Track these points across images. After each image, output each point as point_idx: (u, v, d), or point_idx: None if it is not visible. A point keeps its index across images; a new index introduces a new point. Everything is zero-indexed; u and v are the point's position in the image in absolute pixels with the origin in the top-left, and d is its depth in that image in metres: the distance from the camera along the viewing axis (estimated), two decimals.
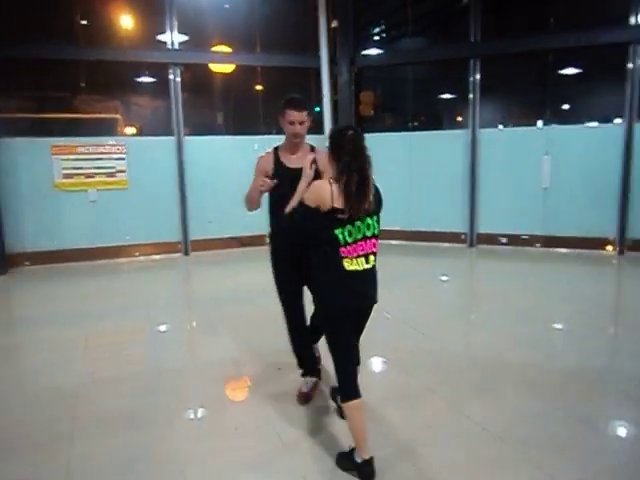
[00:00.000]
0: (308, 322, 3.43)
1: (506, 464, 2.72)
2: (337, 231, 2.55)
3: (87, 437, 3.08)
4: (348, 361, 2.72)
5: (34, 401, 3.61)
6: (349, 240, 2.57)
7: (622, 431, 3.16)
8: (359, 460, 2.59)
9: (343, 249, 2.57)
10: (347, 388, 2.65)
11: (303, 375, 3.53)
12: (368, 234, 2.63)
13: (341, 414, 3.06)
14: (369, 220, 2.62)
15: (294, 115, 3.19)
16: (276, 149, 3.41)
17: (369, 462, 2.57)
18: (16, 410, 3.50)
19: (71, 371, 4.04)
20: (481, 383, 3.69)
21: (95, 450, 2.95)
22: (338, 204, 2.52)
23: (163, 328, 5.23)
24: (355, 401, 2.61)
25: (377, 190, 2.70)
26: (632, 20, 7.44)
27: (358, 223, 2.58)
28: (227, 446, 2.95)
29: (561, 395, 3.48)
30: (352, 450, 2.66)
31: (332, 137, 2.67)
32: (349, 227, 2.56)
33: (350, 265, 2.58)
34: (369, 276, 2.69)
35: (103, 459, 2.87)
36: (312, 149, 3.36)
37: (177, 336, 5.14)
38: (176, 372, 4.03)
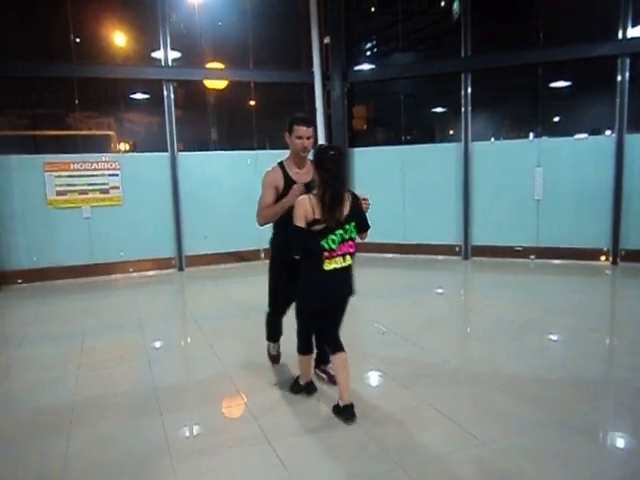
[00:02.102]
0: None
1: (507, 478, 2.70)
2: (323, 242, 3.08)
3: (82, 456, 3.03)
4: (310, 334, 3.47)
5: (28, 421, 3.55)
6: (333, 247, 3.11)
7: (620, 443, 3.13)
8: (302, 383, 3.64)
9: (326, 253, 3.10)
10: (303, 347, 3.50)
11: (269, 340, 4.21)
12: (346, 237, 3.16)
13: (332, 381, 3.78)
14: (347, 226, 3.15)
15: (303, 130, 3.48)
16: (281, 164, 3.60)
17: (310, 383, 3.64)
18: (9, 430, 3.44)
19: (65, 389, 3.99)
20: (479, 395, 3.67)
21: (91, 469, 2.90)
22: (317, 215, 3.03)
23: (158, 345, 5.18)
24: (309, 355, 3.55)
25: (356, 198, 3.22)
26: (620, 34, 7.56)
27: (339, 231, 3.12)
28: (223, 464, 2.91)
29: (558, 407, 3.46)
30: (297, 377, 3.71)
31: (316, 155, 3.15)
32: (331, 236, 3.09)
33: (329, 265, 3.12)
34: (345, 273, 3.24)
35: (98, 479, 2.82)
36: (312, 163, 3.45)
37: (172, 353, 5.09)
38: (171, 389, 3.99)
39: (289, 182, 3.48)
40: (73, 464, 2.95)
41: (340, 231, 3.11)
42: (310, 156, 3.54)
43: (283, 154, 3.74)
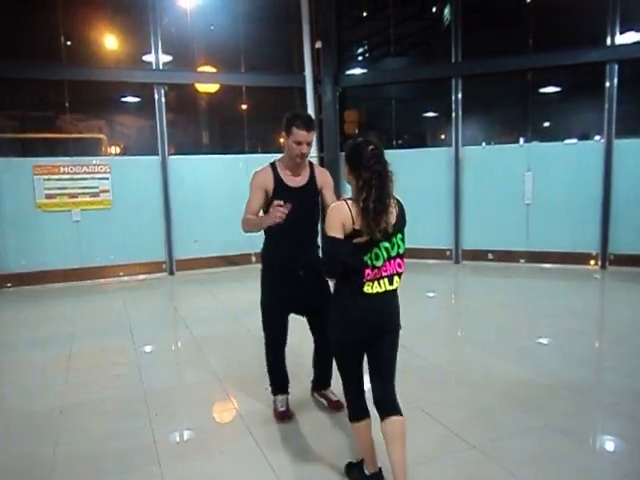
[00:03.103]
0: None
1: None
2: (365, 257, 2.41)
3: (69, 461, 3.00)
4: (355, 388, 2.62)
5: (15, 425, 3.51)
6: (377, 264, 2.42)
7: (610, 446, 3.15)
8: (368, 473, 2.62)
9: (369, 271, 2.41)
10: (354, 409, 2.61)
11: (274, 394, 3.50)
12: (393, 254, 2.46)
13: (333, 406, 3.43)
14: (394, 239, 2.46)
15: (303, 135, 3.01)
16: (273, 165, 3.21)
17: (378, 474, 2.62)
18: None
19: (54, 394, 3.95)
20: (468, 399, 3.68)
21: (78, 474, 2.87)
22: (357, 224, 2.37)
23: (148, 349, 5.15)
24: (362, 422, 2.59)
25: (401, 207, 2.54)
26: (608, 41, 7.65)
27: (385, 244, 2.43)
28: (212, 470, 2.90)
29: (548, 410, 3.48)
30: (361, 462, 2.69)
31: (351, 151, 2.48)
32: (376, 250, 2.41)
33: (372, 288, 2.43)
34: (390, 299, 2.54)
35: None
36: (311, 165, 3.28)
37: (162, 357, 5.06)
38: (161, 394, 3.96)
39: (280, 185, 3.11)
40: (60, 469, 2.93)
41: (386, 244, 2.42)
42: (314, 160, 3.37)
43: (275, 158, 3.45)
